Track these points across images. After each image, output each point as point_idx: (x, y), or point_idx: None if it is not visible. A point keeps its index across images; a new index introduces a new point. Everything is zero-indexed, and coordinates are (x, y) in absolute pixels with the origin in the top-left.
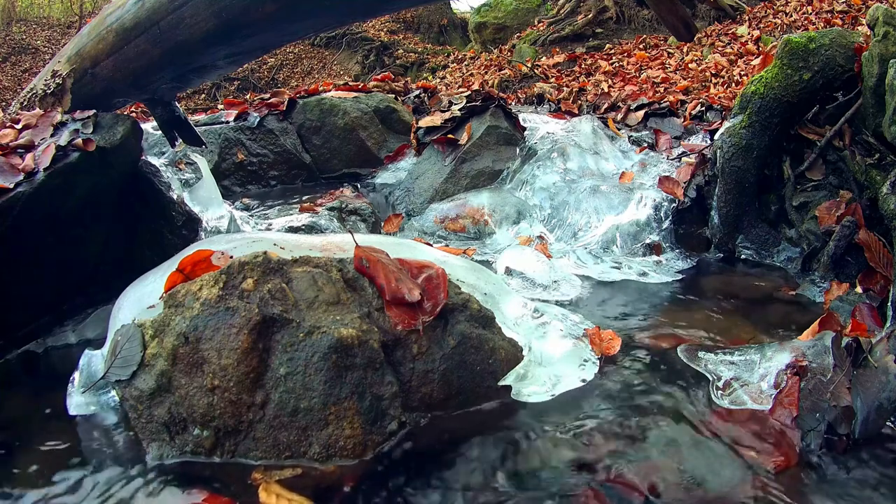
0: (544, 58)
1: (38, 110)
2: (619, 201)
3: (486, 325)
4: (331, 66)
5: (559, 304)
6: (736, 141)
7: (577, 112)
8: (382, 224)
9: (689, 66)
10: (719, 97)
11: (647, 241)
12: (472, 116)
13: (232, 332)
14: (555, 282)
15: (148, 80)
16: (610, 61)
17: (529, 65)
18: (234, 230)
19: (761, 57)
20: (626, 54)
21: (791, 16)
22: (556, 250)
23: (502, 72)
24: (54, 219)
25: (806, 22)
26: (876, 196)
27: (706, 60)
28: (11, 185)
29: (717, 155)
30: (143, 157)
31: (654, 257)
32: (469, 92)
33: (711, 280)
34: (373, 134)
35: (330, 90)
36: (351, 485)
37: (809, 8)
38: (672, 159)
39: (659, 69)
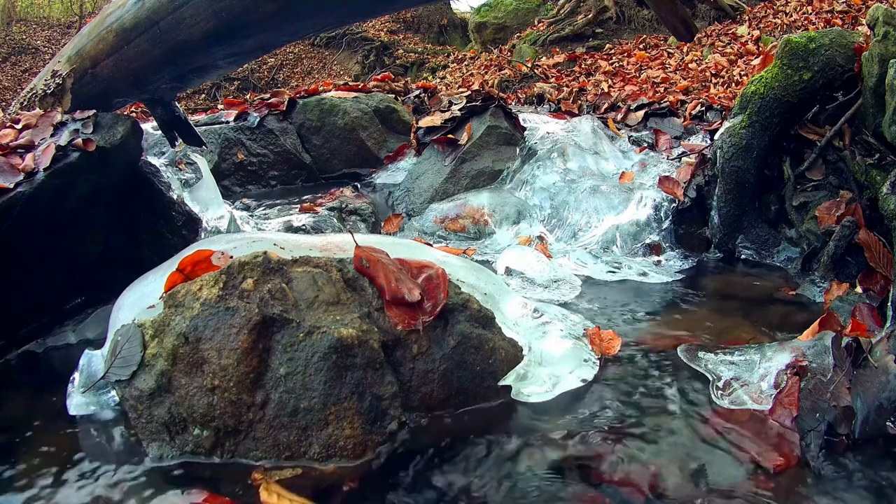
0: (544, 58)
1: (38, 110)
2: (619, 201)
3: (486, 325)
4: (331, 66)
5: (559, 304)
6: (736, 141)
7: (577, 112)
8: (382, 224)
9: (689, 66)
10: (719, 97)
11: (647, 241)
12: (472, 116)
13: (232, 332)
14: (555, 282)
15: (148, 80)
16: (610, 61)
17: (529, 65)
18: (234, 230)
19: (761, 57)
20: (626, 54)
21: (791, 16)
22: (556, 250)
23: (502, 72)
24: (54, 219)
25: (806, 22)
26: (876, 196)
27: (706, 60)
28: (11, 185)
29: (717, 155)
30: (143, 157)
31: (654, 257)
32: (469, 92)
33: (711, 280)
34: (373, 134)
35: (330, 90)
36: (351, 485)
37: (809, 8)
38: (672, 159)
39: (659, 69)
